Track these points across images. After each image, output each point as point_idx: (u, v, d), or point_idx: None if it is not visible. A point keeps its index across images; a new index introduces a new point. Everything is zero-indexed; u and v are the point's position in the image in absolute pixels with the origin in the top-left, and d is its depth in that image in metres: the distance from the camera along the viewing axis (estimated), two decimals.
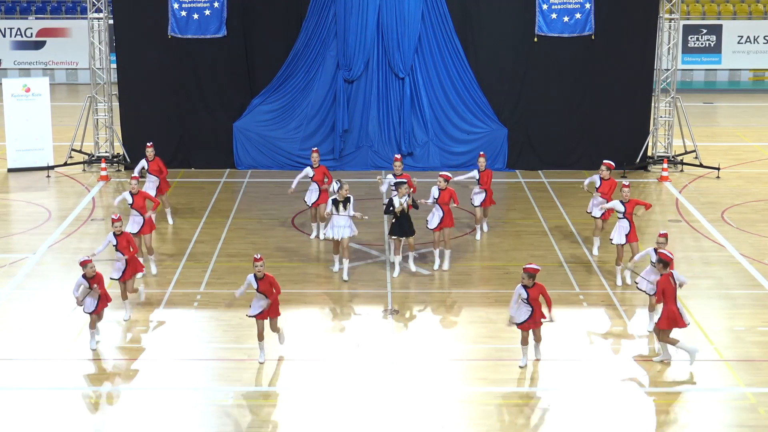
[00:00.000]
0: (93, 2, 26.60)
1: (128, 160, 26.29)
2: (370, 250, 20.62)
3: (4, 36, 38.61)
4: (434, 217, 19.36)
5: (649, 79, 26.71)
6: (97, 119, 27.01)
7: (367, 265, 19.80)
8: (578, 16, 26.19)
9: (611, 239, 18.63)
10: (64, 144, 27.29)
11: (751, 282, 19.05)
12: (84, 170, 26.40)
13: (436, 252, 19.60)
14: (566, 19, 26.21)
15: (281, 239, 21.34)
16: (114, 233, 17.07)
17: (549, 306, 15.45)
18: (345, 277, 19.07)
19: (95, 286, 15.68)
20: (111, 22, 26.74)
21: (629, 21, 26.23)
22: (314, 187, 20.78)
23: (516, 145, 26.70)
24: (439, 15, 26.36)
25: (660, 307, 15.63)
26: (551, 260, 20.01)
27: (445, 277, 19.30)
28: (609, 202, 19.53)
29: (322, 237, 20.96)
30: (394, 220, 19.09)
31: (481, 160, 20.95)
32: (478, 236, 21.31)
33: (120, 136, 26.99)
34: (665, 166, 26.01)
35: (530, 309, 15.26)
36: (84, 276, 15.67)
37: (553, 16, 26.19)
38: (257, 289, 15.38)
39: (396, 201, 18.93)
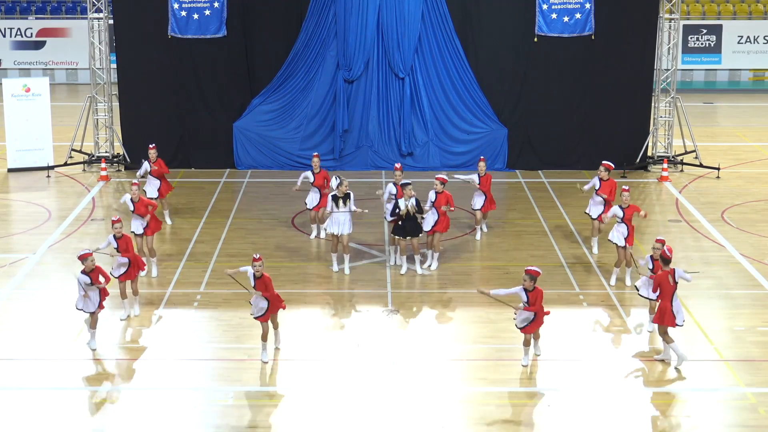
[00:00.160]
0: (93, 2, 26.60)
1: (128, 160, 26.29)
2: (369, 249, 20.62)
3: (4, 36, 38.61)
4: (428, 220, 19.38)
5: (649, 79, 26.71)
6: (97, 119, 27.01)
7: (367, 265, 19.81)
8: (578, 16, 26.19)
9: (610, 239, 18.64)
10: (64, 144, 27.29)
11: (751, 282, 19.05)
12: (84, 170, 26.41)
13: (429, 252, 19.66)
14: (566, 19, 26.21)
15: (281, 239, 21.34)
16: (114, 236, 17.02)
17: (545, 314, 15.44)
18: (347, 270, 19.22)
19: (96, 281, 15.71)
20: (111, 22, 26.74)
21: (629, 21, 26.23)
22: (315, 191, 20.76)
23: (516, 145, 26.70)
24: (439, 15, 26.36)
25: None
26: (551, 260, 20.01)
27: (445, 277, 19.31)
28: (610, 199, 19.64)
29: (323, 235, 21.01)
30: (399, 222, 19.08)
31: (481, 164, 20.92)
32: (478, 236, 21.31)
33: (120, 136, 26.99)
34: (665, 166, 26.01)
35: (533, 313, 15.25)
36: (83, 272, 15.67)
37: (553, 16, 26.19)
38: (254, 287, 15.40)
39: (402, 203, 18.94)
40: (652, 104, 27.01)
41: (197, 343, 16.46)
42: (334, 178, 19.59)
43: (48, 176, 25.91)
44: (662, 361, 15.69)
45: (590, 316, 17.64)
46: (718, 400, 14.67)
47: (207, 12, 26.20)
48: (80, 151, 26.83)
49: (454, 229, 21.34)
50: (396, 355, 15.93)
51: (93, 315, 15.92)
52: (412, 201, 18.93)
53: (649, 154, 26.97)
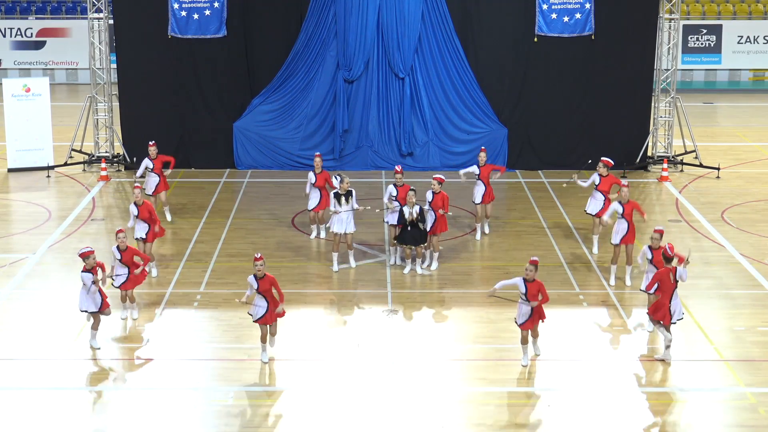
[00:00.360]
0: (93, 2, 26.60)
1: (128, 160, 26.28)
2: (370, 249, 20.62)
3: (4, 36, 38.61)
4: (427, 221, 19.37)
5: (649, 79, 26.71)
6: (97, 119, 27.01)
7: (367, 265, 19.81)
8: (578, 16, 26.19)
9: (612, 241, 18.64)
10: (64, 144, 27.30)
11: (751, 282, 19.05)
12: (84, 170, 26.41)
13: (427, 253, 19.68)
14: (566, 19, 26.21)
15: (281, 239, 21.34)
16: (118, 247, 16.77)
17: (544, 301, 15.41)
18: (353, 264, 19.45)
19: (98, 276, 15.73)
20: (111, 22, 26.74)
21: (629, 21, 26.23)
22: (315, 192, 20.76)
23: (516, 145, 26.70)
24: (439, 15, 26.36)
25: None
26: (551, 260, 20.01)
27: (445, 277, 19.31)
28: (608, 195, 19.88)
29: (323, 235, 21.05)
30: (406, 229, 19.04)
31: (482, 155, 20.95)
32: (478, 236, 21.30)
33: (120, 136, 26.99)
34: (665, 166, 26.02)
35: (530, 309, 15.26)
36: (84, 270, 15.65)
37: (553, 16, 26.19)
38: (257, 290, 15.38)
39: (406, 211, 18.93)
40: (652, 104, 27.01)
41: (197, 343, 16.46)
42: (334, 176, 19.60)
43: (48, 176, 25.91)
44: (662, 361, 15.69)
45: (590, 316, 17.64)
46: (718, 400, 14.67)
47: (207, 12, 26.20)
48: (80, 151, 26.83)
49: (454, 229, 21.36)
50: (396, 355, 15.93)
51: (96, 315, 15.89)
52: (416, 209, 18.91)
53: (649, 154, 26.97)
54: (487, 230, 21.43)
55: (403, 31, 26.24)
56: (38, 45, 38.66)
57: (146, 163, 21.63)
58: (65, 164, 26.61)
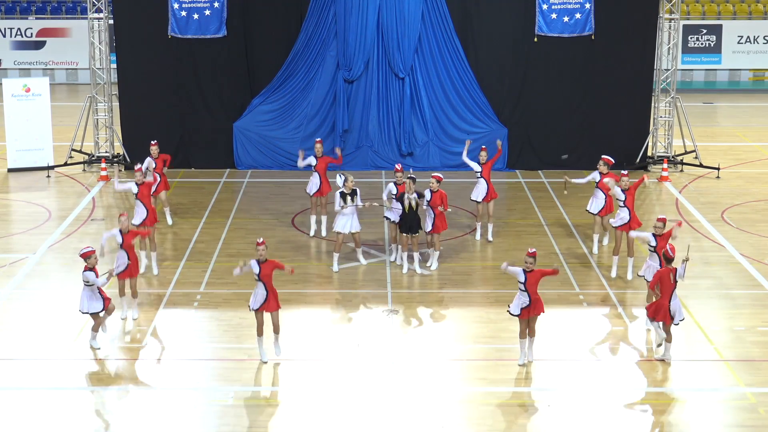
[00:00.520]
0: (93, 2, 26.61)
1: (128, 160, 26.27)
2: (369, 249, 20.62)
3: (4, 36, 38.61)
4: (427, 220, 19.39)
5: (649, 79, 26.72)
6: (97, 119, 27.01)
7: (367, 265, 19.81)
8: (578, 16, 26.20)
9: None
10: (64, 144, 27.30)
11: (751, 282, 19.05)
12: (84, 170, 26.41)
13: (429, 252, 19.69)
14: (566, 19, 26.22)
15: (281, 239, 21.33)
16: (120, 230, 16.93)
17: (550, 273, 15.40)
18: (362, 261, 19.62)
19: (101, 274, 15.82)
20: (111, 22, 26.75)
21: (629, 21, 26.24)
22: (315, 176, 20.89)
23: (516, 145, 26.70)
24: (439, 15, 26.36)
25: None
26: (551, 260, 20.00)
27: (445, 277, 19.31)
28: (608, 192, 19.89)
29: (324, 233, 21.09)
30: (403, 217, 19.11)
31: (483, 153, 20.91)
32: (478, 236, 21.29)
33: (120, 136, 27.00)
34: (665, 166, 26.02)
35: (528, 299, 15.24)
36: (86, 269, 15.66)
37: (553, 16, 26.19)
38: (258, 275, 15.35)
39: (405, 198, 19.01)
40: (652, 104, 27.02)
41: (197, 343, 16.46)
42: (338, 175, 19.69)
43: (48, 176, 25.91)
44: (662, 360, 15.70)
45: (590, 316, 17.64)
46: (718, 400, 14.67)
47: (207, 12, 26.20)
48: (80, 151, 26.84)
49: (454, 229, 21.36)
50: (396, 355, 15.93)
51: (96, 316, 15.86)
52: (415, 195, 18.99)
53: (649, 154, 26.98)
54: (490, 237, 21.21)
55: (403, 31, 26.24)
56: (38, 45, 38.66)
57: (148, 162, 21.64)
58: (65, 164, 26.61)
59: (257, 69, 26.84)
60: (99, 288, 15.81)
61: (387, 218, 19.96)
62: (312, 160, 21.04)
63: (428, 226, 19.36)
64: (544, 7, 26.14)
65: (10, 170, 26.32)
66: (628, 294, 18.39)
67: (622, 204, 18.63)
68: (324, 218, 21.40)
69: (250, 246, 20.58)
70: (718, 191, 24.84)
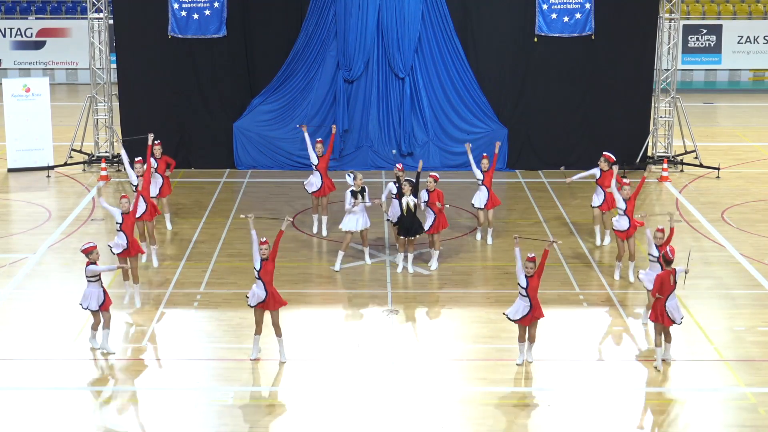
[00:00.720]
0: (93, 2, 26.61)
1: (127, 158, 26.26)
2: (370, 250, 20.59)
3: (4, 36, 38.61)
4: (427, 220, 19.40)
5: (649, 79, 26.72)
6: (97, 119, 27.01)
7: (367, 265, 19.80)
8: (578, 16, 26.20)
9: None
10: (64, 144, 27.30)
11: (751, 282, 19.05)
12: (84, 170, 26.41)
13: (430, 251, 19.69)
14: (566, 19, 26.22)
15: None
16: (121, 211, 17.16)
17: (544, 259, 15.41)
18: (368, 261, 19.67)
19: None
20: (111, 22, 26.75)
21: (629, 21, 26.23)
22: (316, 174, 20.96)
23: (516, 145, 26.70)
24: (439, 15, 26.36)
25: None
26: (551, 260, 19.85)
27: (445, 277, 19.31)
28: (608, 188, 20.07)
29: (324, 233, 21.07)
30: (401, 220, 19.11)
31: (484, 161, 20.89)
32: (478, 237, 21.28)
33: (120, 136, 26.97)
34: (665, 166, 26.02)
35: (529, 304, 15.25)
36: (89, 263, 15.67)
37: (553, 16, 26.19)
38: (258, 272, 15.36)
39: (403, 200, 19.01)
40: (652, 104, 27.02)
41: (197, 343, 16.46)
42: (347, 174, 19.74)
43: (48, 176, 25.91)
44: (662, 360, 15.68)
45: (590, 316, 17.64)
46: (718, 400, 14.67)
47: (207, 12, 26.20)
48: (80, 151, 26.83)
49: (454, 229, 21.36)
50: (396, 355, 15.93)
51: (97, 314, 15.85)
52: (413, 197, 19.00)
53: (649, 154, 26.98)
54: (490, 241, 21.17)
55: (403, 31, 26.24)
56: (38, 45, 38.66)
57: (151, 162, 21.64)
58: (65, 164, 26.61)
59: (257, 69, 26.84)
60: (104, 288, 15.79)
61: (388, 219, 20.00)
62: (314, 159, 21.05)
63: (427, 226, 19.35)
64: (544, 7, 26.14)
65: (10, 170, 26.32)
66: (628, 294, 18.39)
67: (622, 212, 18.59)
68: (325, 218, 21.38)
69: (251, 246, 20.57)
70: (718, 191, 24.84)
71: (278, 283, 15.82)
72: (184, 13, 26.15)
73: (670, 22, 26.83)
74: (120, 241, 17.23)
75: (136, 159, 19.85)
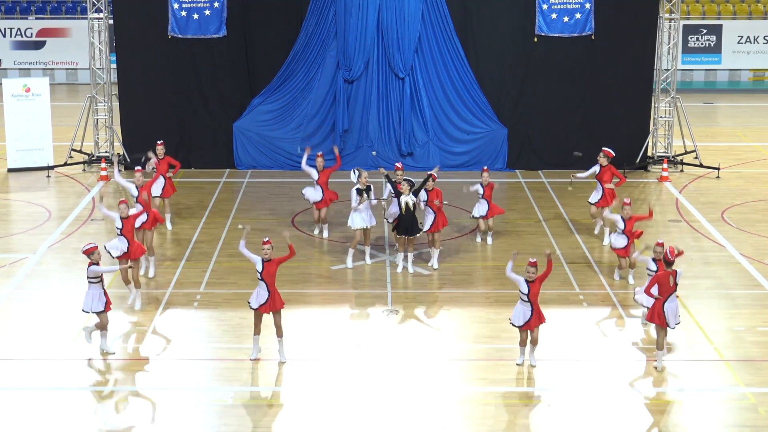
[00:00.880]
0: (93, 2, 26.61)
1: (128, 160, 26.27)
2: (371, 250, 20.59)
3: (4, 36, 38.61)
4: (427, 219, 19.40)
5: (649, 79, 26.72)
6: (97, 119, 27.02)
7: (367, 265, 19.80)
8: (578, 16, 26.20)
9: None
10: (64, 144, 27.30)
11: (751, 282, 19.05)
12: (84, 170, 26.41)
13: (431, 250, 19.70)
14: (566, 19, 26.22)
15: (281, 239, 21.26)
16: (120, 216, 17.11)
17: (548, 269, 15.38)
18: (368, 261, 19.66)
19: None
20: (111, 22, 26.75)
21: (629, 21, 26.23)
22: (317, 188, 20.88)
23: (516, 145, 26.70)
24: (439, 15, 26.36)
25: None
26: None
27: (445, 277, 19.31)
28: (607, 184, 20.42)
29: (326, 234, 21.09)
30: (400, 219, 19.12)
31: (485, 175, 20.78)
32: (478, 239, 21.23)
33: (120, 136, 27.00)
34: (665, 166, 26.02)
35: (530, 309, 15.25)
36: (90, 264, 15.66)
37: (553, 16, 26.19)
38: (260, 274, 15.36)
39: (402, 199, 19.02)
40: (652, 104, 27.02)
41: (197, 343, 16.46)
42: (352, 172, 19.73)
43: (48, 176, 25.91)
44: (654, 367, 15.67)
45: (590, 316, 17.64)
46: (718, 400, 14.67)
47: (207, 12, 26.21)
48: (80, 151, 26.84)
49: (454, 230, 21.36)
50: (396, 355, 15.93)
51: (103, 315, 15.79)
52: (412, 196, 19.01)
53: (649, 154, 26.98)
54: (490, 241, 21.09)
55: (403, 31, 26.24)
56: (38, 45, 38.66)
57: (153, 161, 21.63)
58: (65, 164, 26.61)
59: (257, 69, 26.85)
60: (104, 290, 15.78)
61: (388, 220, 20.01)
62: (314, 174, 20.94)
63: (427, 226, 19.36)
64: (544, 7, 26.14)
65: (10, 170, 26.32)
66: (628, 294, 18.37)
67: (620, 231, 18.54)
68: (325, 226, 21.32)
69: (251, 246, 20.56)
70: (718, 191, 24.84)
71: (278, 283, 15.81)
72: (184, 13, 26.15)
73: (670, 22, 26.84)
74: (121, 245, 17.15)
75: (136, 168, 19.74)
